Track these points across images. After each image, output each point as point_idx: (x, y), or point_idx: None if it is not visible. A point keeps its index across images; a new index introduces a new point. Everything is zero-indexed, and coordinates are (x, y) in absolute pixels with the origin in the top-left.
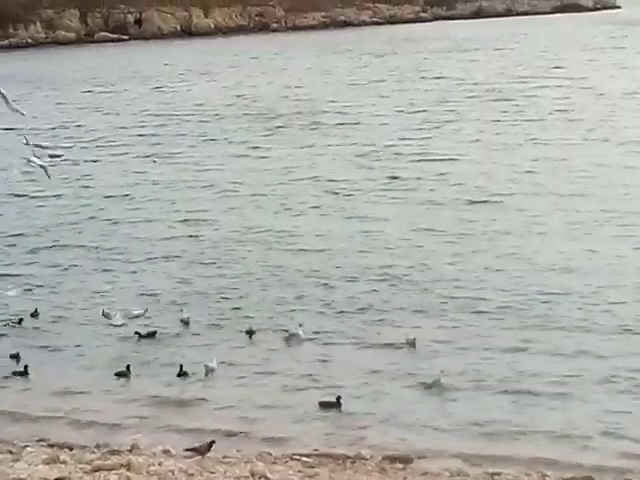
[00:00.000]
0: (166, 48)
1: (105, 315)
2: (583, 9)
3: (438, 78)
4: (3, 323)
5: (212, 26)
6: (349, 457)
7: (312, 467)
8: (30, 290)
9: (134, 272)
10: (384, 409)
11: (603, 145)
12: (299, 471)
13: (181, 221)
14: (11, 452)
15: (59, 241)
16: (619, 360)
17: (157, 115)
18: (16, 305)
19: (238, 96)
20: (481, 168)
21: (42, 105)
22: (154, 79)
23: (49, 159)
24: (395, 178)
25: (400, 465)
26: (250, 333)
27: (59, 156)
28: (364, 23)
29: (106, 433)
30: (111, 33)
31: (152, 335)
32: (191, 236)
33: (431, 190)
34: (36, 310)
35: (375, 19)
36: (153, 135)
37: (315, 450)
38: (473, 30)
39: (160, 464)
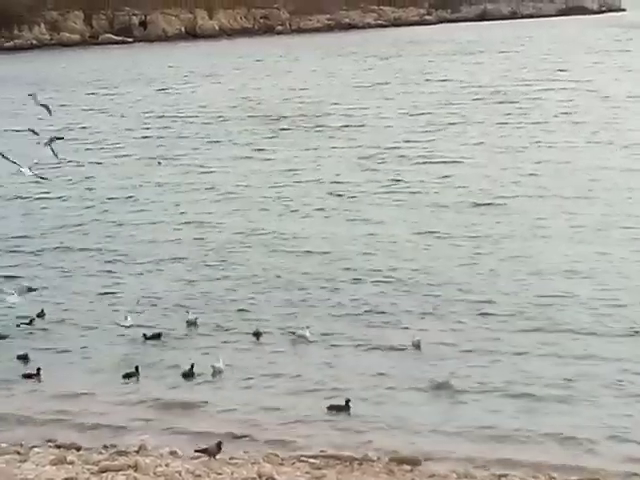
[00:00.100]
0: (170, 50)
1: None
2: (588, 12)
3: (443, 81)
4: (15, 323)
5: (217, 28)
6: (356, 459)
7: (319, 469)
8: (35, 292)
9: (139, 274)
10: (390, 412)
11: (607, 148)
12: (306, 472)
13: (186, 223)
14: (18, 453)
15: (64, 243)
16: (626, 363)
17: (161, 117)
18: (22, 307)
19: (242, 98)
20: (485, 171)
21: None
22: (158, 81)
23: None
24: (399, 180)
25: (407, 467)
26: (257, 335)
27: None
28: (369, 26)
29: (113, 435)
30: (116, 35)
31: (158, 337)
32: (196, 238)
33: (435, 193)
34: (42, 311)
35: (380, 22)
36: (157, 137)
37: (322, 452)
38: (478, 33)
39: (167, 465)
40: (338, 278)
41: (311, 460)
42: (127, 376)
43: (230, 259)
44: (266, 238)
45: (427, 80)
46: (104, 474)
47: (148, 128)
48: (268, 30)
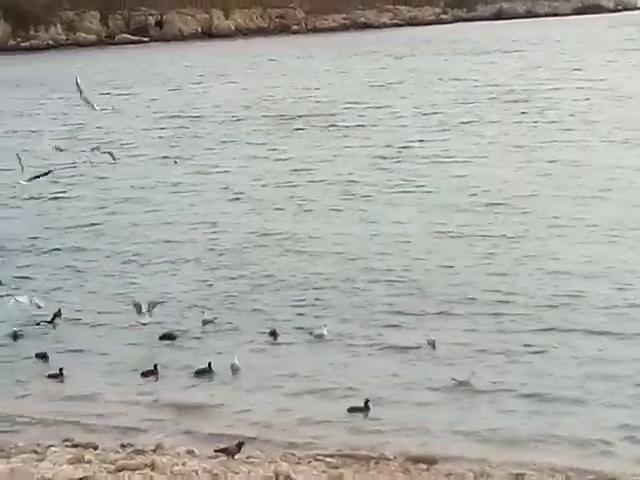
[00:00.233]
0: (186, 50)
1: (135, 305)
2: (604, 10)
3: (457, 80)
4: (34, 322)
5: (232, 28)
6: (373, 458)
7: (336, 468)
8: (49, 292)
9: (154, 274)
10: (406, 411)
11: (622, 147)
12: (323, 471)
13: (200, 223)
14: (36, 452)
15: (78, 243)
16: None
17: (176, 117)
18: (35, 307)
19: (257, 98)
20: (500, 170)
21: (63, 107)
22: (174, 81)
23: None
24: (414, 180)
25: (424, 466)
26: (274, 334)
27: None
28: (384, 25)
29: (129, 435)
30: (132, 35)
31: (174, 337)
32: (210, 238)
33: (450, 192)
34: (59, 311)
35: (395, 21)
36: (172, 137)
37: (339, 450)
38: (493, 32)
39: (184, 464)
40: (353, 278)
41: (328, 459)
42: (145, 374)
43: (245, 259)
44: (280, 238)
45: (441, 79)
46: (121, 473)
47: (163, 128)
48: (284, 30)
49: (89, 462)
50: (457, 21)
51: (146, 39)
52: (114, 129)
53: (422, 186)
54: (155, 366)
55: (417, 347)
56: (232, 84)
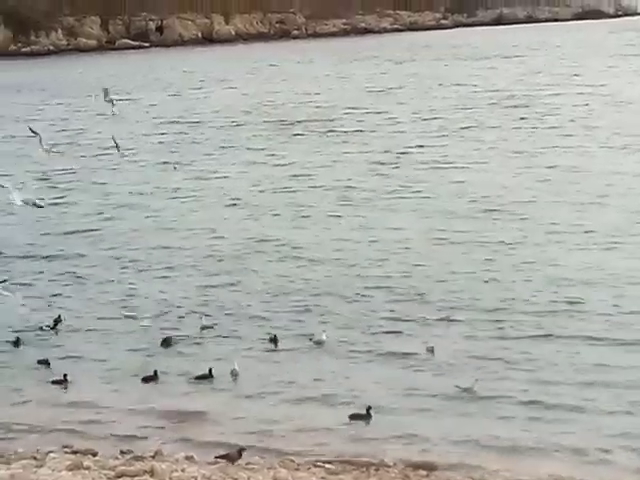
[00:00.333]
0: (187, 55)
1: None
2: (604, 16)
3: (457, 85)
4: (37, 327)
5: (233, 33)
6: (372, 464)
7: (335, 474)
8: (48, 298)
9: (152, 280)
10: (405, 419)
11: (621, 152)
12: (322, 478)
13: (200, 229)
14: (35, 458)
15: (76, 249)
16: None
17: (176, 122)
18: (36, 314)
19: (257, 103)
20: (499, 176)
21: (63, 112)
22: (174, 86)
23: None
24: (412, 186)
25: (424, 472)
26: (274, 341)
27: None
28: (385, 30)
29: (127, 442)
30: (132, 40)
31: (172, 343)
32: (209, 244)
33: (449, 198)
34: (59, 317)
35: (396, 26)
36: (172, 142)
37: (338, 457)
38: (494, 37)
39: (183, 470)
40: (351, 284)
41: (327, 465)
42: (146, 380)
43: (243, 265)
44: (279, 244)
45: (441, 84)
46: (120, 479)
47: (163, 133)
48: (284, 35)
49: (88, 468)
50: (457, 26)
51: (146, 44)
52: (114, 135)
53: (421, 192)
54: (155, 372)
55: (416, 354)
56: (232, 89)
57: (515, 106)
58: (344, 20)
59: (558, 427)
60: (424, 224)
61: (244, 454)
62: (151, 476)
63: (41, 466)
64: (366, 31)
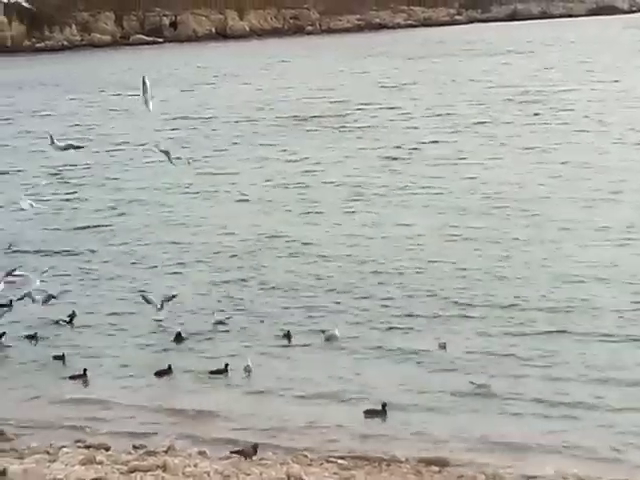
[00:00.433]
0: (201, 50)
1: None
2: (619, 11)
3: (471, 81)
4: (52, 322)
5: (247, 29)
6: (385, 460)
7: (348, 469)
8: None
9: (164, 276)
10: (417, 417)
11: (635, 149)
12: (335, 473)
13: (210, 225)
14: (48, 453)
15: (88, 246)
16: None
17: (188, 118)
18: (46, 311)
19: (270, 99)
20: (513, 172)
21: (76, 107)
22: (187, 81)
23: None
24: (425, 182)
25: (436, 468)
26: (287, 337)
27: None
28: (399, 26)
29: (138, 438)
30: (146, 36)
31: (184, 339)
32: (221, 240)
33: (462, 194)
34: (73, 312)
35: (410, 22)
36: (184, 138)
37: (351, 452)
38: (508, 33)
39: (196, 465)
40: (363, 280)
41: (339, 461)
42: (160, 374)
43: (255, 261)
44: (290, 240)
45: (455, 80)
46: (133, 474)
47: (175, 129)
48: (298, 30)
49: (101, 463)
50: (471, 22)
51: (160, 40)
52: (126, 130)
53: (434, 188)
54: (169, 366)
55: (428, 350)
56: (246, 85)
57: (529, 102)
58: (358, 16)
59: (570, 424)
60: (437, 220)
61: (261, 449)
62: (164, 471)
63: (54, 461)
64: (380, 27)
